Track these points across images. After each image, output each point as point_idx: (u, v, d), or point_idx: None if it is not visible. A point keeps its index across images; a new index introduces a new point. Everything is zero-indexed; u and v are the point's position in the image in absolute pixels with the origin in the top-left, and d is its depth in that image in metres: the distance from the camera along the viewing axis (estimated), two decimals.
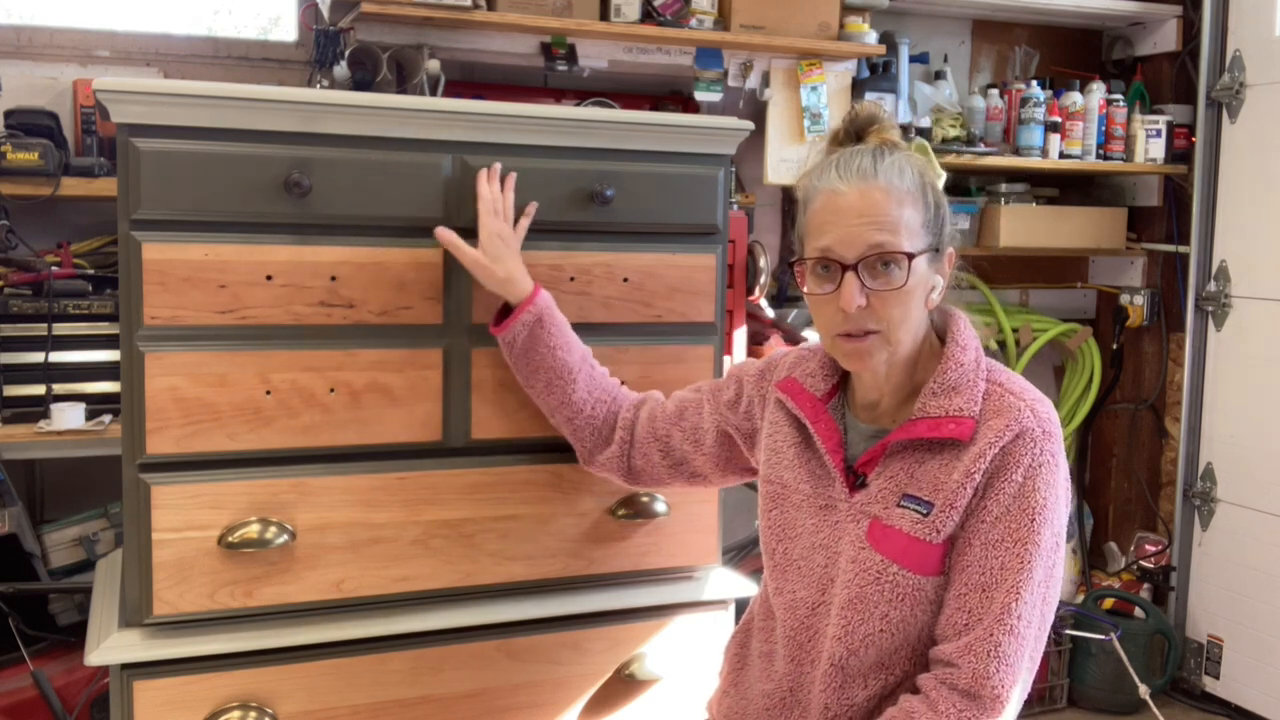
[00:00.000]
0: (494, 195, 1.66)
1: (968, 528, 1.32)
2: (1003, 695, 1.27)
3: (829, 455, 1.42)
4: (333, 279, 1.70)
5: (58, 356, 2.31)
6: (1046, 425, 1.33)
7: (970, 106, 3.23)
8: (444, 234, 1.65)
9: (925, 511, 1.32)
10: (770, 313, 3.10)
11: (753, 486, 1.63)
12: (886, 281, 1.31)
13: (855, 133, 1.40)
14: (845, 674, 1.36)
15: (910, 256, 1.31)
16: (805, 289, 1.37)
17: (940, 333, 1.42)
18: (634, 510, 1.88)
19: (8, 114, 2.43)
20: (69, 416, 2.22)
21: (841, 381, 1.48)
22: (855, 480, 1.40)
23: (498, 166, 1.70)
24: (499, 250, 1.64)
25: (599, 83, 2.93)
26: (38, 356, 2.29)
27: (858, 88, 3.05)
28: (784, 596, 1.44)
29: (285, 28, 2.93)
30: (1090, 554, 3.69)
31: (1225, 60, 3.26)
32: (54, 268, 2.37)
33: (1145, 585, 3.48)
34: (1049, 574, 1.32)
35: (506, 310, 1.68)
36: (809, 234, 1.37)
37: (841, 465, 1.41)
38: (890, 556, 1.34)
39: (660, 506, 1.90)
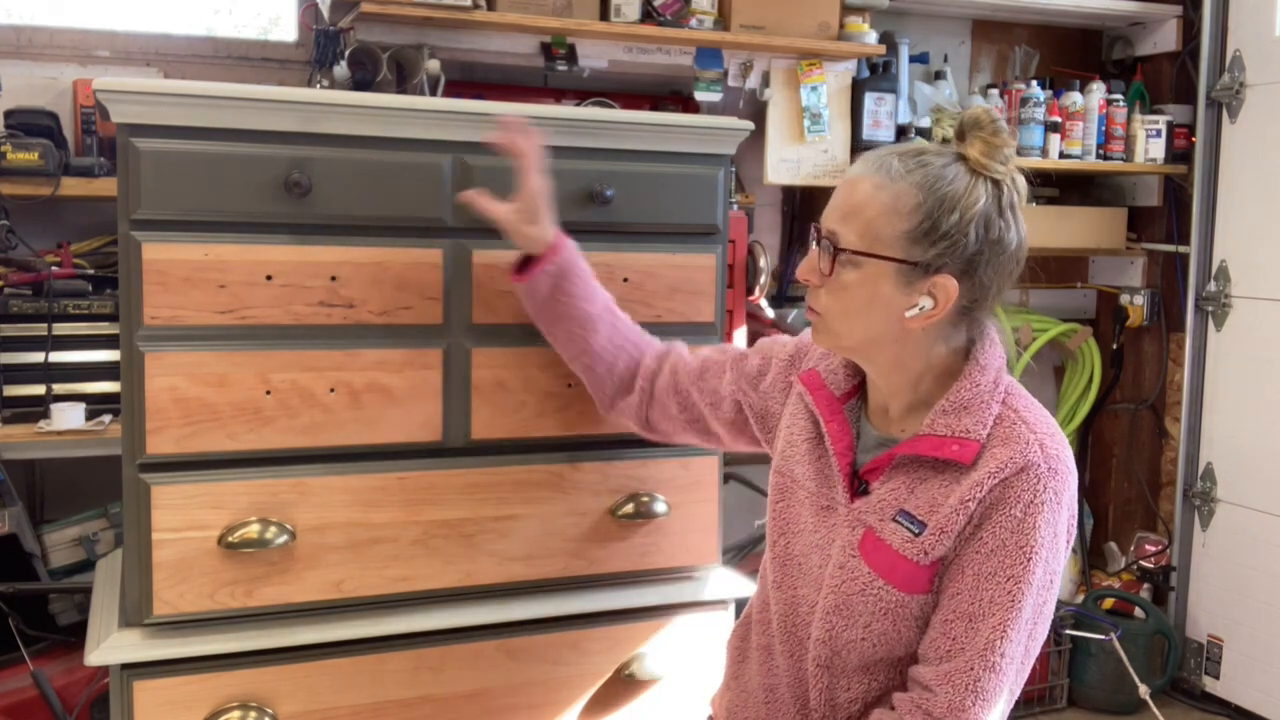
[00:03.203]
0: (537, 150, 1.63)
1: (962, 554, 1.30)
2: None
3: (836, 457, 1.40)
4: (333, 279, 1.70)
5: (58, 356, 2.31)
6: (1054, 462, 1.29)
7: (970, 107, 3.22)
8: (470, 196, 1.64)
9: (917, 531, 1.31)
10: (770, 313, 3.10)
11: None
12: (826, 267, 1.33)
13: (959, 134, 1.34)
14: (831, 673, 1.37)
15: (840, 250, 1.30)
16: None
17: (965, 353, 1.38)
18: (634, 510, 1.88)
19: (8, 114, 2.43)
20: (69, 416, 2.22)
21: (863, 382, 1.45)
22: (859, 486, 1.39)
23: (524, 120, 1.66)
24: (538, 207, 1.62)
25: (599, 83, 2.93)
26: (38, 356, 2.29)
27: (858, 88, 3.05)
28: (783, 591, 1.44)
29: (285, 28, 2.93)
30: (1090, 554, 3.69)
31: (1225, 60, 3.26)
32: (54, 268, 2.37)
33: (1145, 585, 3.48)
34: (1038, 611, 1.30)
35: (527, 260, 1.66)
36: None
37: (847, 469, 1.40)
38: (877, 570, 1.33)
39: (660, 506, 1.90)
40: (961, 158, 1.31)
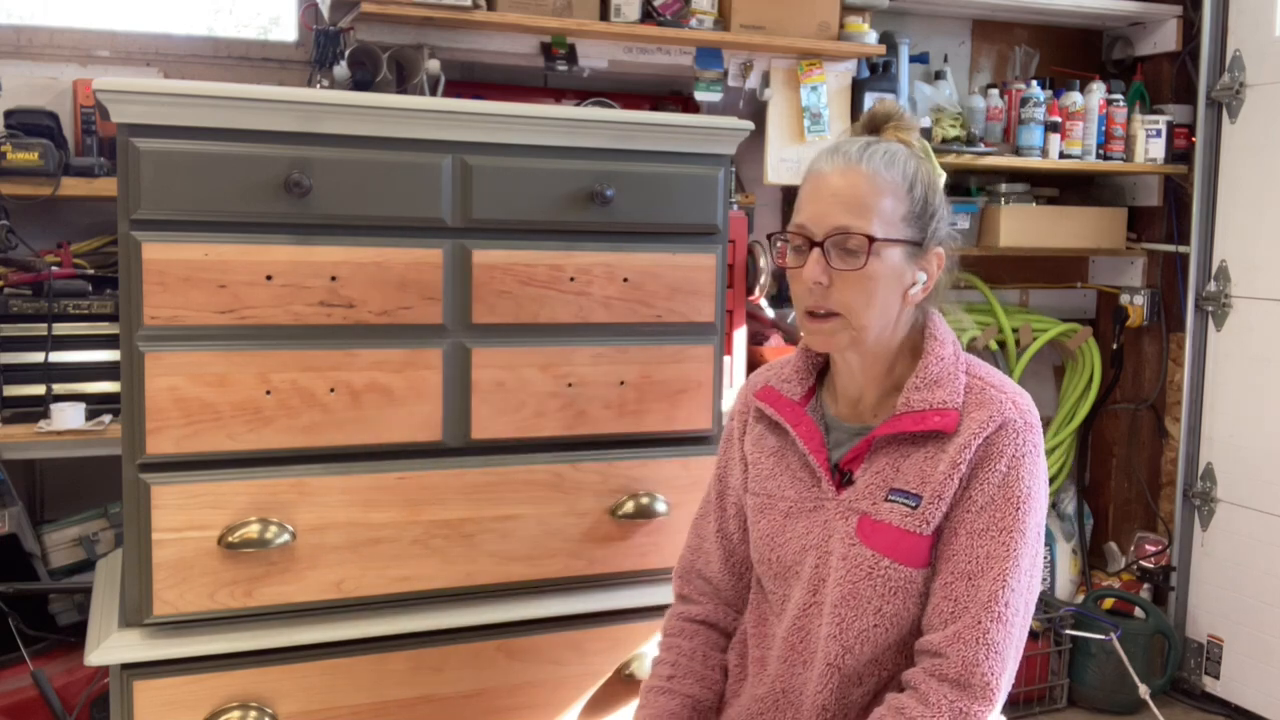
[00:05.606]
0: None
1: (953, 518, 1.34)
2: (992, 683, 1.28)
3: (812, 455, 1.42)
4: (333, 279, 1.70)
5: (58, 356, 2.31)
6: (1027, 417, 1.36)
7: (970, 106, 3.22)
8: None
9: (914, 504, 1.34)
10: (770, 313, 3.09)
11: None
12: (849, 263, 1.34)
13: (873, 128, 1.43)
14: (841, 673, 1.37)
15: (871, 240, 1.33)
16: (783, 264, 1.41)
17: (920, 331, 1.44)
18: (634, 510, 1.88)
19: (8, 114, 2.43)
20: (69, 416, 2.22)
21: (818, 383, 1.49)
22: (841, 478, 1.41)
23: None
24: None
25: (599, 83, 2.93)
26: (38, 356, 2.29)
27: (858, 88, 3.05)
28: (779, 601, 1.44)
29: (285, 28, 2.93)
30: (1090, 554, 3.69)
31: (1225, 60, 3.26)
32: (54, 268, 2.37)
33: (1145, 585, 3.48)
34: (1033, 562, 1.34)
35: None
36: (794, 211, 1.41)
37: (826, 464, 1.42)
38: (881, 550, 1.35)
39: (660, 506, 1.90)
40: (901, 141, 1.41)
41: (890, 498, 1.36)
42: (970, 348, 3.29)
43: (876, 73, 3.07)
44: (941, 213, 1.40)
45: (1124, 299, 3.55)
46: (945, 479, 1.33)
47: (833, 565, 1.38)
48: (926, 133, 3.14)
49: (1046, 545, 3.52)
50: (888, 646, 1.36)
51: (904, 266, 1.37)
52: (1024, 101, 3.19)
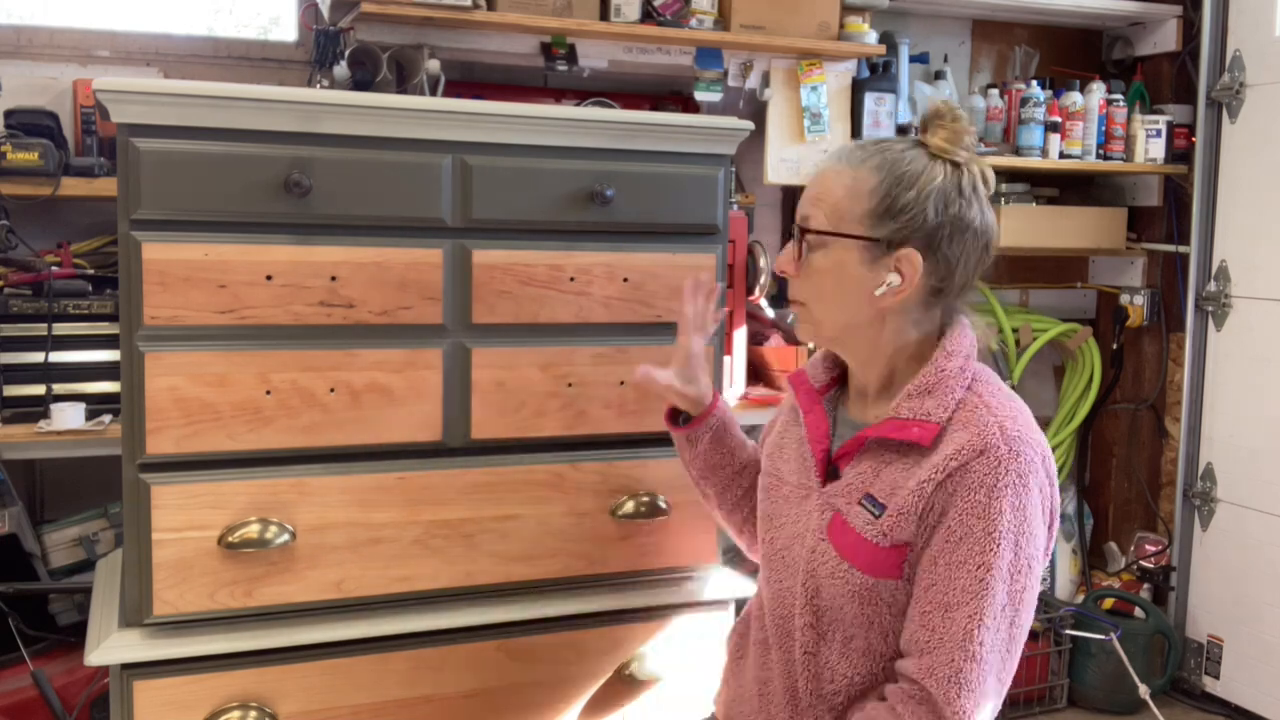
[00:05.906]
0: (698, 312, 1.66)
1: (933, 543, 1.30)
2: (968, 714, 1.27)
3: (810, 444, 1.44)
4: (333, 279, 1.70)
5: (58, 356, 2.31)
6: (1015, 444, 1.29)
7: (970, 106, 3.23)
8: (641, 373, 1.64)
9: (877, 514, 1.32)
10: (770, 313, 3.10)
11: None
12: (800, 255, 1.38)
13: (923, 125, 1.41)
14: (817, 662, 1.38)
15: (806, 232, 1.37)
16: None
17: (934, 340, 1.41)
18: (634, 510, 1.88)
19: (8, 114, 2.43)
20: (69, 416, 2.22)
21: (842, 374, 1.50)
22: (831, 472, 1.42)
23: (706, 277, 1.71)
24: (696, 371, 1.64)
25: (599, 83, 2.93)
26: (38, 356, 2.29)
27: (858, 88, 3.05)
28: (772, 585, 1.46)
29: (285, 28, 2.93)
30: (1090, 554, 3.69)
31: (1225, 60, 3.26)
32: (54, 268, 2.37)
33: (1145, 585, 3.48)
34: (1016, 598, 1.29)
35: (679, 410, 1.68)
36: None
37: (821, 455, 1.43)
38: (842, 553, 1.35)
39: (660, 506, 1.90)
40: (921, 144, 1.38)
41: (862, 502, 1.35)
42: None
43: (876, 73, 3.07)
44: (924, 215, 1.33)
45: (1124, 299, 3.55)
46: (911, 495, 1.30)
47: (804, 556, 1.39)
48: None
49: None
50: (855, 649, 1.36)
51: (859, 264, 1.34)
52: (1024, 101, 3.20)
